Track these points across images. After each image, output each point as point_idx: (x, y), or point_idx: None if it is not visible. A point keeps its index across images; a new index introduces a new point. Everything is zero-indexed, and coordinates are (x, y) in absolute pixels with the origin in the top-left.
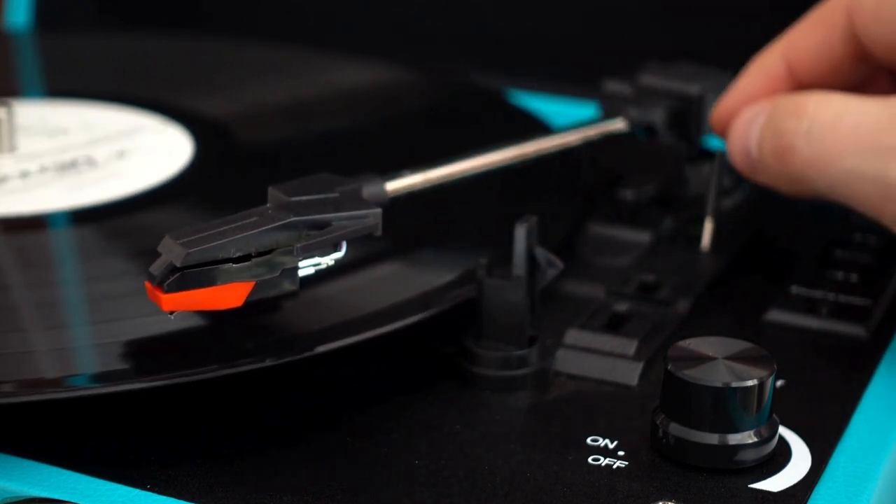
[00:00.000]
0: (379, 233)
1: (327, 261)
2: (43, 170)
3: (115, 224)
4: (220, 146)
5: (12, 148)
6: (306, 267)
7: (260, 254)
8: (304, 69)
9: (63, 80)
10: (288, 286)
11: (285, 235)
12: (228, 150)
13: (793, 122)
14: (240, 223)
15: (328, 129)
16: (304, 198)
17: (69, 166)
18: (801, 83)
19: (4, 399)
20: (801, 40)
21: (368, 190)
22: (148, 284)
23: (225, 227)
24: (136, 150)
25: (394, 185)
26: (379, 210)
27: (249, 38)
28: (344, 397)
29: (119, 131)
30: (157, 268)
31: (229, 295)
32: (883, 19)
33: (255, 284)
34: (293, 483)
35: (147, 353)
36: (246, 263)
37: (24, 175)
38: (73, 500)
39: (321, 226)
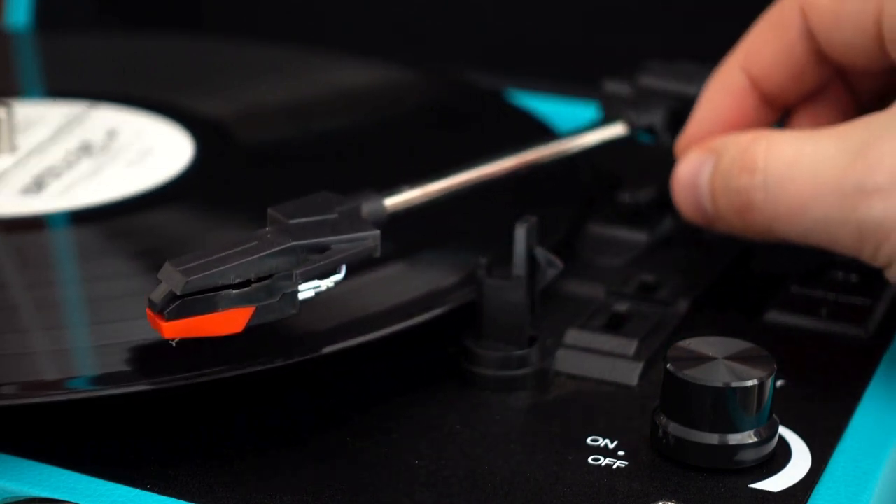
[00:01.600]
0: (378, 254)
1: (327, 283)
2: (43, 170)
3: (115, 224)
4: (220, 146)
5: (12, 148)
6: (306, 290)
7: (260, 279)
8: (304, 69)
9: (63, 80)
10: (288, 310)
11: (284, 260)
12: (229, 151)
13: (746, 177)
14: (239, 249)
15: (328, 129)
16: (302, 220)
17: (69, 166)
18: (765, 93)
19: (4, 401)
20: (759, 48)
21: (368, 207)
22: (149, 312)
23: (224, 254)
24: (136, 150)
25: (393, 201)
26: (377, 232)
27: (249, 39)
28: (344, 397)
29: (119, 131)
30: (157, 295)
31: (230, 321)
32: (840, 19)
33: (256, 310)
34: (293, 483)
35: (147, 355)
36: (246, 289)
37: (24, 174)
38: (73, 500)
39: (320, 249)
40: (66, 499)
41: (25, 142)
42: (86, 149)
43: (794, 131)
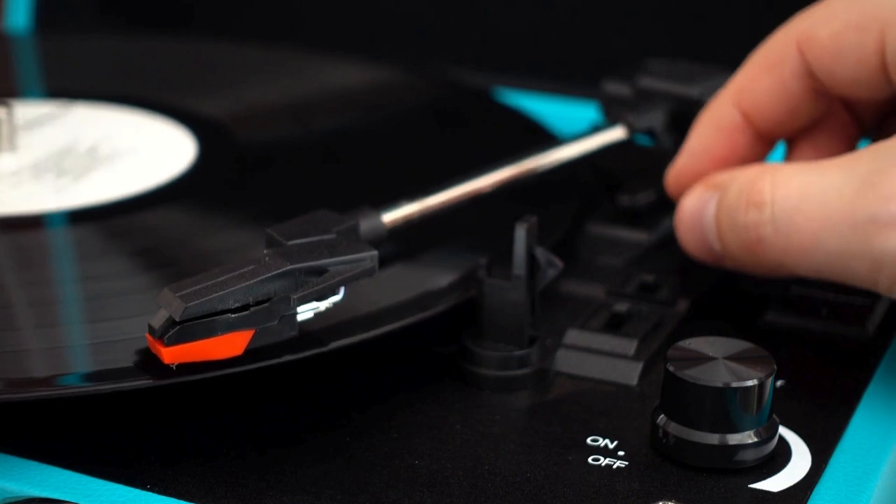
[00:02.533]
0: (375, 274)
1: (326, 304)
2: (43, 170)
3: (116, 224)
4: (221, 146)
5: (12, 148)
6: (305, 311)
7: (258, 302)
8: (304, 69)
9: (63, 80)
10: (288, 332)
11: (283, 284)
12: (230, 151)
13: (753, 213)
14: (237, 273)
15: (327, 129)
16: (300, 241)
17: (69, 166)
18: (759, 129)
19: (2, 397)
20: (753, 85)
21: (366, 225)
22: (149, 337)
23: (223, 278)
24: (137, 151)
25: (391, 217)
26: (375, 252)
27: (249, 39)
28: (344, 397)
29: (119, 132)
30: (156, 321)
31: (229, 344)
32: (841, 53)
33: (255, 333)
34: (293, 483)
35: (146, 352)
36: (245, 313)
37: (24, 174)
38: (73, 500)
39: (318, 271)
40: (66, 499)
41: (25, 142)
42: (86, 149)
43: (799, 164)
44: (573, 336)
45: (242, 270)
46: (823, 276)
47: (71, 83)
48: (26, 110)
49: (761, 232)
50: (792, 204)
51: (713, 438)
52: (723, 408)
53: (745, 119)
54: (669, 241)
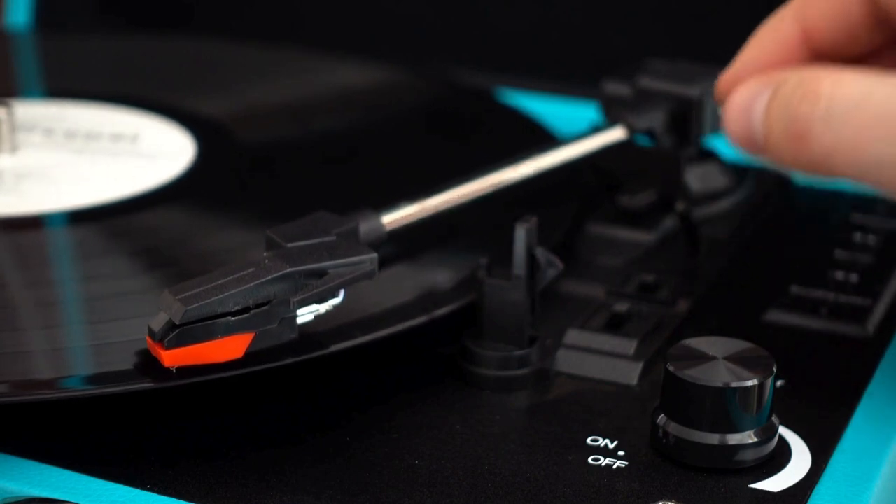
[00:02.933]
0: (375, 277)
1: (326, 307)
2: (43, 170)
3: (116, 224)
4: (221, 146)
5: (13, 148)
6: (305, 314)
7: (258, 305)
8: (304, 69)
9: (63, 80)
10: (288, 335)
11: (282, 287)
12: (230, 151)
13: (807, 105)
14: (237, 276)
15: (327, 129)
16: (300, 243)
17: (69, 166)
18: (816, 50)
19: (2, 399)
20: (815, 3)
21: (365, 227)
22: (149, 340)
23: (222, 281)
24: (137, 151)
25: (390, 219)
26: (374, 255)
27: (248, 39)
28: (344, 397)
29: (119, 132)
30: (156, 324)
31: (230, 347)
32: None
33: (255, 335)
34: (293, 483)
35: (146, 354)
36: (244, 316)
37: (24, 175)
38: (73, 500)
39: (318, 274)
40: (66, 499)
41: (25, 142)
42: (86, 149)
43: (865, 71)
44: (573, 336)
45: (242, 273)
46: (864, 181)
47: (71, 83)
48: (26, 110)
49: (811, 127)
50: (849, 105)
51: (713, 438)
52: (723, 408)
53: (804, 35)
54: (669, 241)
